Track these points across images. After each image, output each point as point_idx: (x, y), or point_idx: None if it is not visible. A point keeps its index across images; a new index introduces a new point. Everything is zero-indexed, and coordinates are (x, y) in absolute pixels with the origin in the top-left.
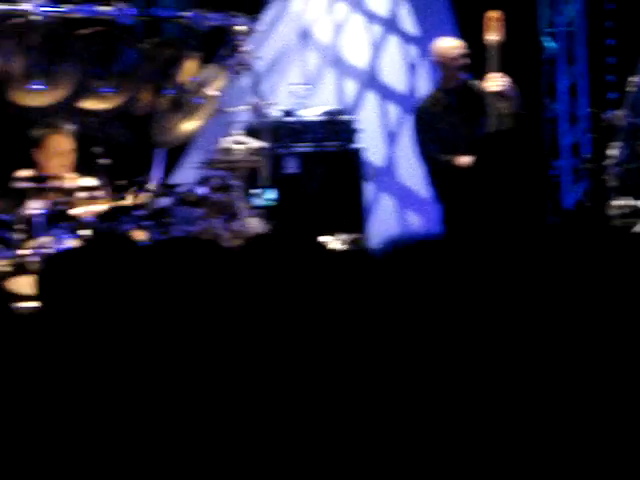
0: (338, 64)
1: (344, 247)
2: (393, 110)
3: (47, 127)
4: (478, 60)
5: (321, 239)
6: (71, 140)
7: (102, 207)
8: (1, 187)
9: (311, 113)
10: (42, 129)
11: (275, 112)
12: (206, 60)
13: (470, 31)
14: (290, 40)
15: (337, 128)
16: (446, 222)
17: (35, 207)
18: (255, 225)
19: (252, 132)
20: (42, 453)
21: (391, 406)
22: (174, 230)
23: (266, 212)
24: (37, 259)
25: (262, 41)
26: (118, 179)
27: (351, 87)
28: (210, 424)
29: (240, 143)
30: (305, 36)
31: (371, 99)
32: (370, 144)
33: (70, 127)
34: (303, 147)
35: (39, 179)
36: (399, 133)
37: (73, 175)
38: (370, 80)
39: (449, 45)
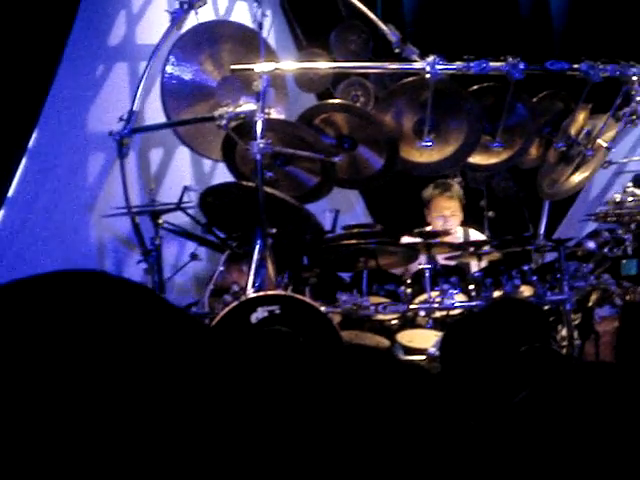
0: None
1: None
2: None
3: (435, 189)
4: None
5: None
6: (458, 201)
7: (488, 261)
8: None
9: None
10: (430, 191)
11: None
12: (595, 110)
13: None
14: None
15: None
16: None
17: (424, 262)
18: None
19: None
20: None
21: None
22: (562, 285)
23: None
24: (424, 313)
25: None
26: (505, 233)
27: None
28: None
29: (631, 195)
30: None
31: None
32: None
33: (459, 188)
34: None
35: (428, 235)
36: None
37: (461, 230)
38: None
39: None
